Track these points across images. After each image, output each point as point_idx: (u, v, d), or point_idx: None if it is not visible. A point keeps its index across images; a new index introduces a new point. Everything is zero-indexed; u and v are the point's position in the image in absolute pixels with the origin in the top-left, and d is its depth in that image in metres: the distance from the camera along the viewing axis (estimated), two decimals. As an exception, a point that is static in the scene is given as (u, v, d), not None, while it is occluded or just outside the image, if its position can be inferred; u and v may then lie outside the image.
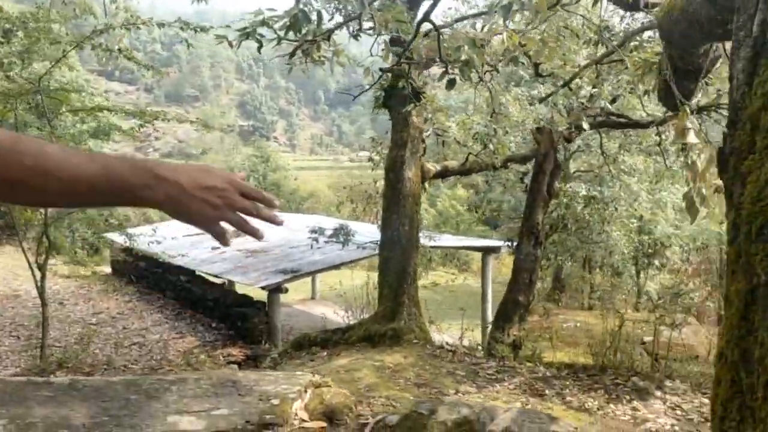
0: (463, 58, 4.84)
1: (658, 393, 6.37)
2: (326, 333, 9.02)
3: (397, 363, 7.06)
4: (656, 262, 18.59)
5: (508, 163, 10.86)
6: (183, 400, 3.63)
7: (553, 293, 19.87)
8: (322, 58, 5.25)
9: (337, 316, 11.72)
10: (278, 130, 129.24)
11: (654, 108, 12.19)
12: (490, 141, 9.83)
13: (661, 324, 7.47)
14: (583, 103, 9.78)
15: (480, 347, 10.16)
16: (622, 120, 10.00)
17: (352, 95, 6.11)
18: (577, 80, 8.16)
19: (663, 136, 11.25)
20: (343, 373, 6.40)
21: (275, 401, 3.60)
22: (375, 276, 9.77)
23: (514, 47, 5.35)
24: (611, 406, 6.05)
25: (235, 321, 14.11)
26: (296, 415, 3.61)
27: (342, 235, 11.64)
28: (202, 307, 15.58)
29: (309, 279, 18.88)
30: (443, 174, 10.19)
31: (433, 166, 9.71)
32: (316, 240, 11.64)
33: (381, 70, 7.79)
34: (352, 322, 9.41)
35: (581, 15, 7.87)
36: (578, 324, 13.11)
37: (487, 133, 9.80)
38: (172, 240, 13.68)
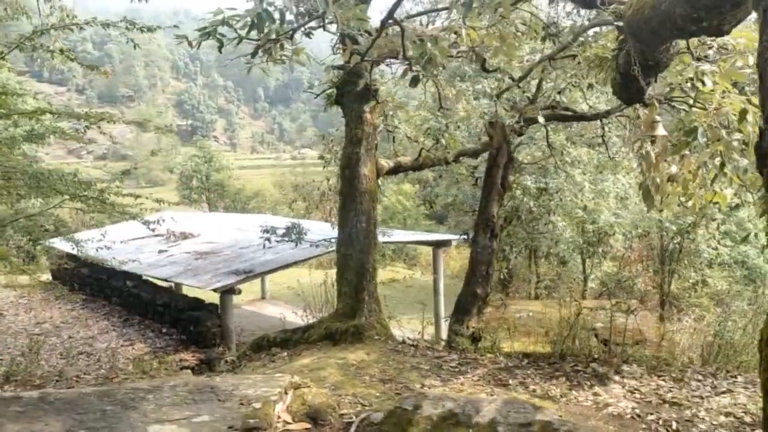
0: (419, 53, 4.88)
1: (617, 378, 6.58)
2: (286, 333, 8.90)
3: (361, 360, 7.06)
4: (600, 250, 19.14)
5: (460, 158, 10.98)
6: (162, 409, 3.55)
7: (505, 284, 20.23)
8: (283, 57, 5.20)
9: (292, 316, 11.61)
10: (218, 129, 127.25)
11: (595, 101, 12.57)
12: (442, 136, 9.95)
13: (618, 310, 7.71)
14: (529, 98, 10.00)
15: (436, 340, 10.27)
16: (568, 113, 10.25)
17: (314, 93, 6.06)
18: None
19: (606, 129, 11.61)
20: (307, 373, 6.35)
21: (257, 405, 3.55)
22: (331, 274, 9.72)
23: (473, 43, 5.42)
24: (573, 392, 6.21)
25: (187, 325, 13.79)
26: (279, 417, 3.58)
27: (294, 233, 11.52)
28: (152, 312, 15.19)
29: (258, 279, 18.66)
30: (396, 170, 10.22)
31: (386, 162, 9.73)
32: (269, 239, 11.50)
33: (333, 67, 7.77)
34: (311, 321, 9.34)
35: (529, 12, 8.02)
36: (530, 314, 13.41)
37: (439, 128, 9.91)
38: (120, 244, 13.28)
